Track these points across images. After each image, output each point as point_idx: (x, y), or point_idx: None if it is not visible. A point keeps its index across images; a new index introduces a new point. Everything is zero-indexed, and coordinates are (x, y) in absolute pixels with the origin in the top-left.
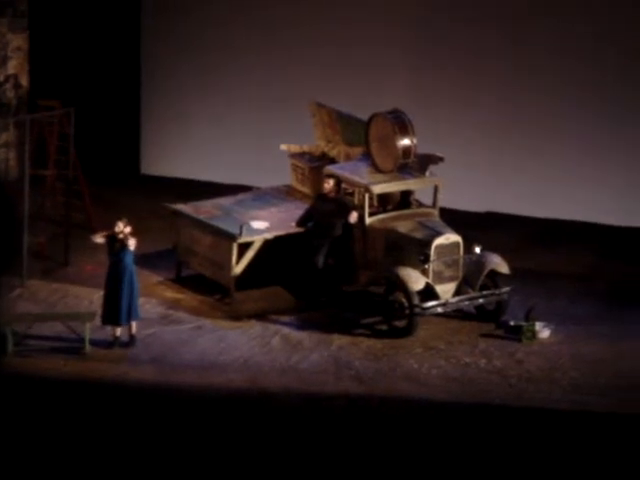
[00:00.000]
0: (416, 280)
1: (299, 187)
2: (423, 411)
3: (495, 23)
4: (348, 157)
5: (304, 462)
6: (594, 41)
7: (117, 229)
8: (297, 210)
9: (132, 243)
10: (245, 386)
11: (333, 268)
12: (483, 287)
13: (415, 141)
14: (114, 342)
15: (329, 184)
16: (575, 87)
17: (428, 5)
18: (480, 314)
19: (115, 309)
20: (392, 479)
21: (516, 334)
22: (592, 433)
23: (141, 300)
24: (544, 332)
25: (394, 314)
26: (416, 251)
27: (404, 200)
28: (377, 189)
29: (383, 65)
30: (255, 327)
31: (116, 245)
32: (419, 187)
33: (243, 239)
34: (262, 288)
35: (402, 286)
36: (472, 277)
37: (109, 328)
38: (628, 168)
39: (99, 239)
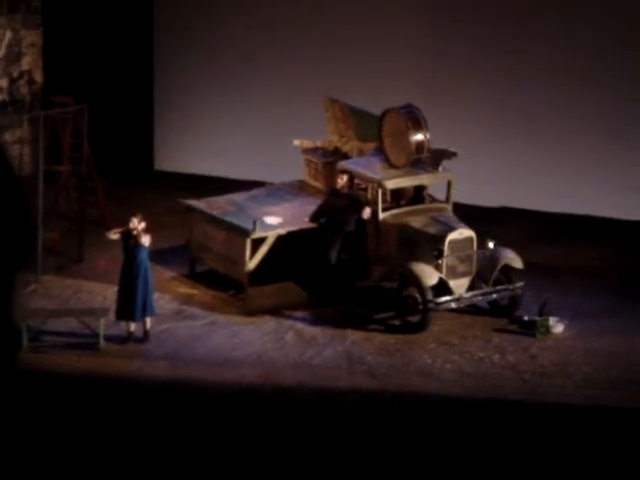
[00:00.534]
0: (429, 275)
1: (312, 182)
2: (436, 406)
3: (509, 21)
4: (361, 152)
5: (317, 457)
6: (606, 39)
7: (131, 225)
8: (310, 205)
9: (146, 239)
10: (259, 381)
11: (346, 263)
12: (497, 282)
13: (428, 136)
14: (128, 338)
15: (342, 180)
16: (587, 84)
17: (441, 2)
18: (494, 309)
19: (130, 305)
20: (405, 474)
21: (530, 329)
22: (605, 428)
23: (155, 296)
24: (558, 327)
25: (407, 309)
26: (429, 246)
27: (417, 195)
28: (390, 184)
29: (396, 61)
30: (269, 322)
31: (130, 241)
32: (432, 182)
33: (256, 235)
34: (275, 284)
35: (415, 281)
36: (486, 272)
37: (123, 324)
38: None
39: (113, 236)
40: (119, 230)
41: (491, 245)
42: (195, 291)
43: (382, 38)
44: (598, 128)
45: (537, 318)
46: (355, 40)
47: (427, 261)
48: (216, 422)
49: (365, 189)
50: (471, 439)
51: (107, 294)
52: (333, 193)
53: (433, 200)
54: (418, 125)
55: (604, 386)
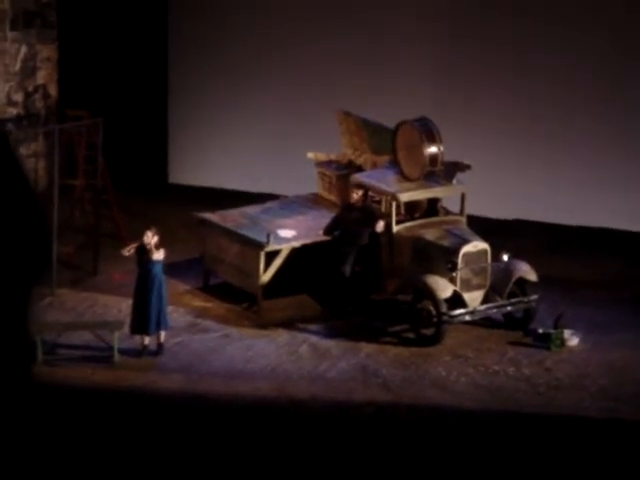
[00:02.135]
0: (444, 288)
1: (326, 195)
2: (451, 419)
3: (524, 36)
4: (375, 165)
5: (332, 470)
6: (619, 51)
7: (146, 239)
8: (324, 218)
9: (159, 254)
10: (273, 394)
11: (360, 276)
12: (511, 295)
13: (442, 149)
14: (142, 351)
15: (357, 195)
16: (603, 97)
17: (456, 15)
18: (508, 322)
19: (144, 318)
20: None
21: (545, 342)
22: (621, 440)
23: (169, 309)
24: (573, 340)
25: (422, 322)
26: (444, 259)
27: (431, 208)
28: (404, 197)
29: (410, 75)
30: (283, 335)
31: (144, 256)
32: (446, 195)
33: (270, 247)
34: (289, 296)
35: (430, 294)
36: (500, 285)
37: (137, 337)
38: None
39: (127, 253)
40: (133, 246)
41: (505, 258)
42: (209, 304)
43: (396, 52)
44: (614, 140)
45: (552, 331)
46: (369, 54)
47: (441, 274)
48: (230, 435)
49: (379, 202)
50: (486, 452)
51: (122, 307)
52: (347, 206)
53: (447, 213)
54: (432, 138)
55: (620, 399)
